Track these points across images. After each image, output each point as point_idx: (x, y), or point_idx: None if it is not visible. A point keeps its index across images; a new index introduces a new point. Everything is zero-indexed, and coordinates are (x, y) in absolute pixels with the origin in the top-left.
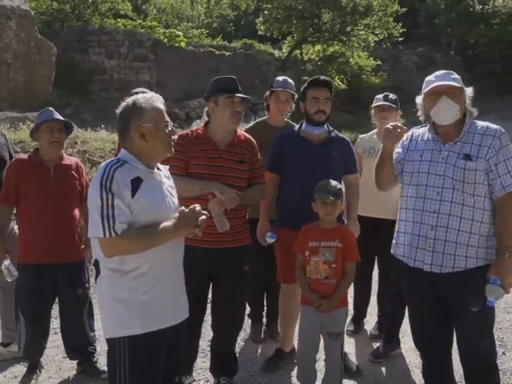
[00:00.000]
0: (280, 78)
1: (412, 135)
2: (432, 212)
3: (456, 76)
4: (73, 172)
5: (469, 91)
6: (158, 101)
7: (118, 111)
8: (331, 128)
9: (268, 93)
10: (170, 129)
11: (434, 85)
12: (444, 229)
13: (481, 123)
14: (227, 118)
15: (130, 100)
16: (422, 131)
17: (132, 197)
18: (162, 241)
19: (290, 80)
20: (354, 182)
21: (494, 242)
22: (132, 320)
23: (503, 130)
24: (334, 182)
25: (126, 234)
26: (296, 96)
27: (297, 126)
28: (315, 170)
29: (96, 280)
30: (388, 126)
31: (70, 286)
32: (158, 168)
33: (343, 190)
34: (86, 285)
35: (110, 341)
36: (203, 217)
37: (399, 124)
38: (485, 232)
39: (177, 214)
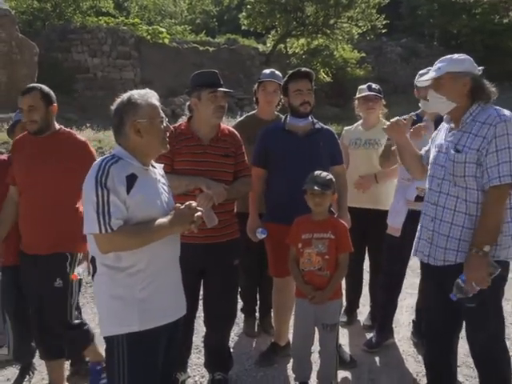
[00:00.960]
0: (267, 70)
1: (441, 127)
2: (432, 203)
3: (445, 62)
4: None
5: (468, 74)
6: (153, 97)
7: (112, 107)
8: (315, 120)
9: (256, 85)
10: (164, 125)
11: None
12: (439, 221)
13: (492, 109)
14: (211, 113)
15: (124, 96)
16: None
17: (127, 193)
18: (157, 237)
19: (277, 72)
20: (341, 172)
21: None
22: (130, 317)
23: (505, 118)
24: (323, 173)
25: (122, 230)
26: None
27: (281, 120)
28: (302, 163)
29: (93, 277)
30: (392, 120)
31: None
32: (152, 166)
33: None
34: None
35: (107, 339)
36: (199, 213)
37: (400, 118)
38: None
39: (172, 211)
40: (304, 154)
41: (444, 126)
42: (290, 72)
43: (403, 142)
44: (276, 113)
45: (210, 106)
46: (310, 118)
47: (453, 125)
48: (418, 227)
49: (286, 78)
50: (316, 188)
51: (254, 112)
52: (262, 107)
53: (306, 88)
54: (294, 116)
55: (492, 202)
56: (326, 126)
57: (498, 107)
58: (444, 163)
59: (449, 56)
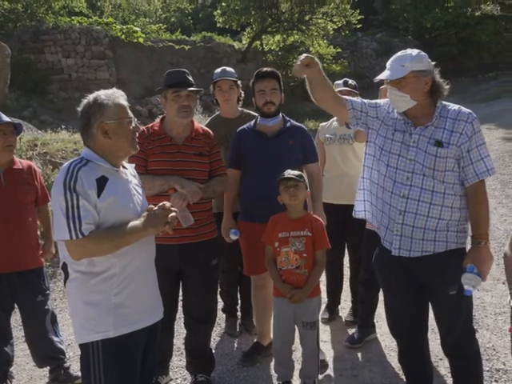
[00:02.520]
0: (218, 70)
1: (389, 106)
2: (401, 196)
3: (407, 60)
4: (25, 176)
5: (429, 73)
6: (121, 97)
7: (78, 109)
8: (287, 118)
9: (212, 87)
10: (133, 125)
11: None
12: (413, 215)
13: (452, 106)
14: (176, 113)
15: (90, 97)
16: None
17: (98, 196)
18: (131, 241)
19: (228, 68)
20: (314, 171)
21: (465, 225)
22: (104, 323)
23: (475, 115)
24: (293, 171)
25: (94, 235)
26: (239, 82)
27: (253, 121)
28: (271, 163)
29: (65, 283)
30: (297, 62)
31: (30, 294)
32: (123, 166)
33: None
34: (47, 291)
35: (82, 346)
36: (173, 214)
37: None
38: (456, 217)
39: (145, 213)
40: (272, 154)
41: (393, 113)
42: (255, 72)
43: (316, 77)
44: (240, 109)
45: (174, 105)
46: (280, 116)
47: (405, 117)
48: (375, 210)
49: (252, 79)
50: (290, 176)
51: (217, 113)
52: (222, 107)
53: (270, 88)
54: (263, 116)
55: (483, 194)
56: (298, 124)
57: (453, 104)
58: (415, 157)
59: (408, 52)
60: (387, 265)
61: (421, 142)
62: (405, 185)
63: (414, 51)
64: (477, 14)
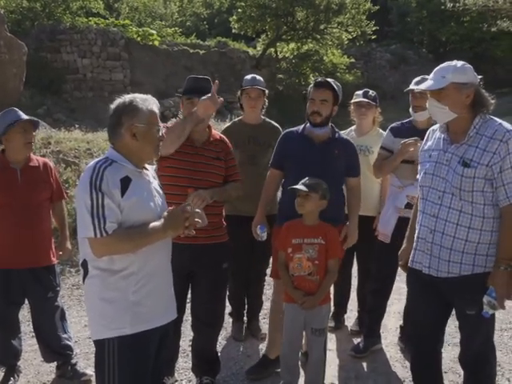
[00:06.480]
0: (248, 77)
1: (429, 134)
2: (431, 215)
3: (449, 71)
4: (41, 174)
5: (471, 86)
6: (154, 104)
7: (112, 106)
8: (336, 129)
9: (239, 92)
10: (160, 134)
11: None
12: (440, 234)
13: (495, 123)
14: None
15: (126, 97)
16: (438, 127)
17: (121, 196)
18: (151, 241)
19: (258, 77)
20: (354, 185)
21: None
22: (121, 320)
23: None
24: (314, 179)
25: (116, 234)
26: (267, 91)
27: (302, 125)
28: (313, 169)
29: (84, 280)
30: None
31: (40, 290)
32: (145, 168)
33: (342, 192)
34: (57, 288)
35: (98, 342)
36: (196, 218)
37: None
38: (486, 240)
39: (165, 214)
40: (316, 160)
41: (435, 135)
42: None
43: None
44: (262, 117)
45: (187, 111)
46: (328, 127)
47: (446, 135)
48: (415, 237)
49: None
50: (299, 188)
51: (240, 117)
52: (247, 112)
53: (320, 98)
54: (310, 124)
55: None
56: (345, 137)
57: (498, 120)
58: (446, 176)
59: (452, 64)
60: (417, 279)
61: (452, 161)
62: (436, 204)
63: (459, 63)
64: (493, 29)
